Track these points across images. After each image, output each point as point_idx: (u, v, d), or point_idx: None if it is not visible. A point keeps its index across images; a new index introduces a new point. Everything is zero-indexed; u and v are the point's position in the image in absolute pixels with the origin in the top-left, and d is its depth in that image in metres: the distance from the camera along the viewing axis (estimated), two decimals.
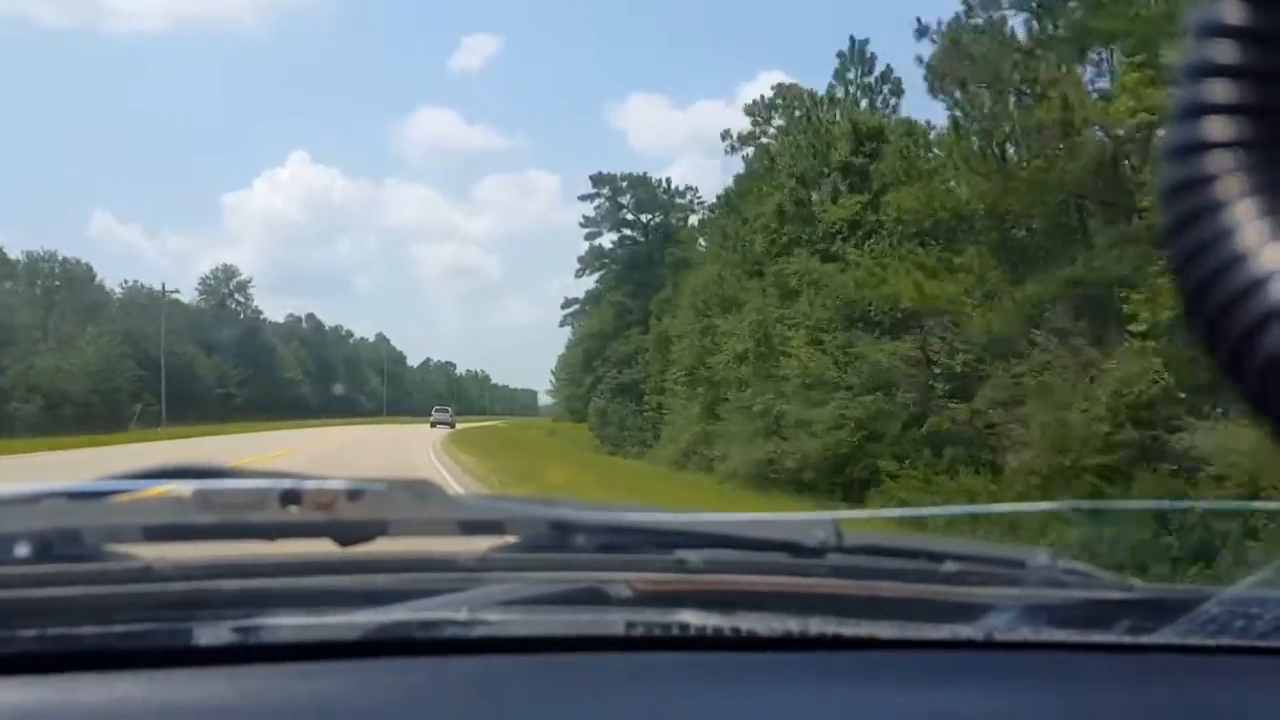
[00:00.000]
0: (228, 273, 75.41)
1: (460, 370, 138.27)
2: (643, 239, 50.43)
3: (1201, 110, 0.38)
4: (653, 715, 0.75)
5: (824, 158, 23.57)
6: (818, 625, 0.81)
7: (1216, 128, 0.38)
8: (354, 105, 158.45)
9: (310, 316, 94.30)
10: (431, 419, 58.26)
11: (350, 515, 0.89)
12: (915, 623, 0.84)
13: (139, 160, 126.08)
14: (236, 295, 75.40)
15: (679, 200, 51.31)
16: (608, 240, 52.10)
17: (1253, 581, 0.99)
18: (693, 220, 47.68)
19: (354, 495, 0.89)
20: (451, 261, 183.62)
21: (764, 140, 33.19)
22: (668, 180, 53.02)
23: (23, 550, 0.83)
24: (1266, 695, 0.84)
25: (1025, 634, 0.86)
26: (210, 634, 0.74)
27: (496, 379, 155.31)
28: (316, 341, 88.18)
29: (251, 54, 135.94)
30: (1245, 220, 0.37)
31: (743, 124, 35.68)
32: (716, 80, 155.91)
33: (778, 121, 33.40)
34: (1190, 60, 0.39)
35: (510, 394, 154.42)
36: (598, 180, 52.06)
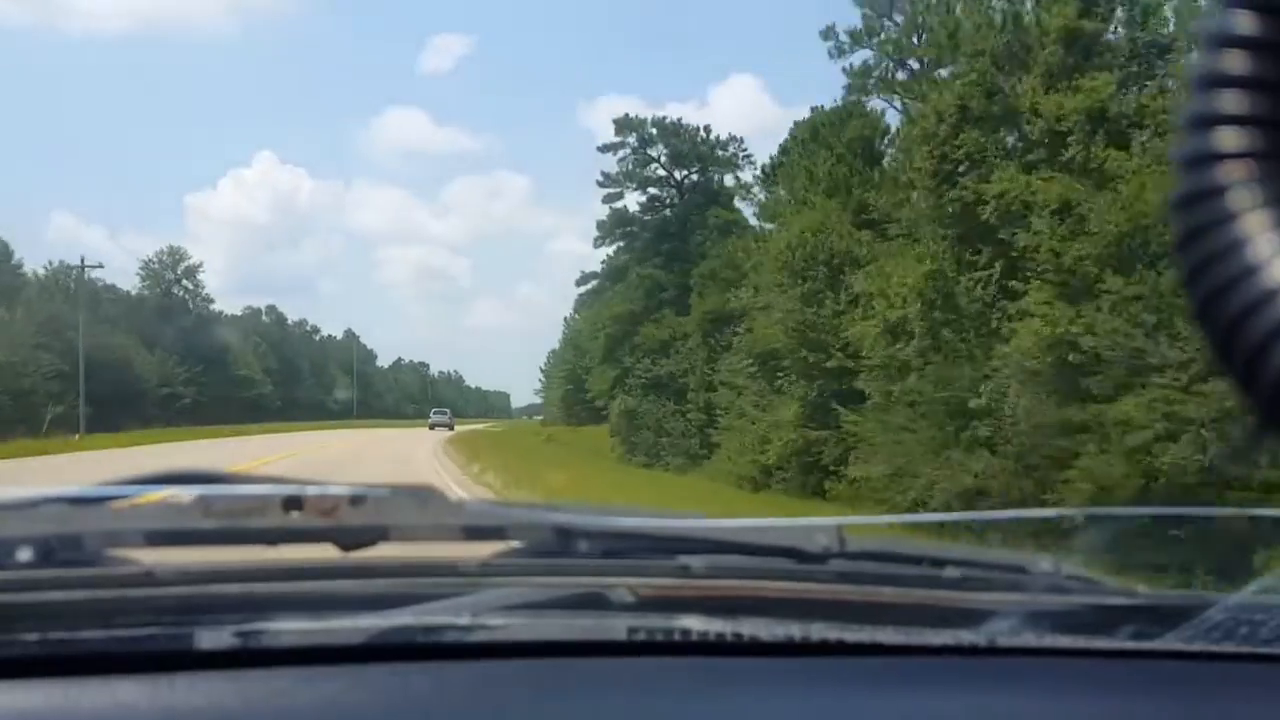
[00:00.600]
0: (174, 255, 63.98)
1: (433, 371, 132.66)
2: (677, 199, 39.97)
3: (1213, 121, 0.38)
4: None
5: (1023, 30, 15.09)
6: (820, 631, 0.81)
7: (1228, 139, 0.38)
8: (322, 105, 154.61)
9: (271, 309, 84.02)
10: (430, 421, 58.21)
11: (352, 520, 0.89)
12: (918, 628, 0.84)
13: (100, 160, 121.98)
14: (184, 282, 64.42)
15: (720, 152, 40.03)
16: (633, 202, 40.92)
17: (1256, 588, 0.98)
18: (743, 177, 37.96)
19: (356, 500, 0.89)
20: (420, 264, 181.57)
21: (884, 36, 22.97)
22: (706, 128, 40.80)
23: (25, 555, 0.83)
24: (1270, 701, 0.84)
25: (1028, 640, 0.86)
26: (212, 638, 0.74)
27: (469, 381, 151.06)
28: (278, 337, 78.73)
29: (218, 52, 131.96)
30: (1257, 232, 0.37)
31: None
32: (688, 82, 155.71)
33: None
34: (1202, 71, 0.39)
35: (483, 396, 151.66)
36: (622, 125, 40.47)
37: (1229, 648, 0.85)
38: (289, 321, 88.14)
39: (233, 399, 59.28)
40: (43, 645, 0.72)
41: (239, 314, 78.16)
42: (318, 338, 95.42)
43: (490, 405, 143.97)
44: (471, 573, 0.92)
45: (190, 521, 0.88)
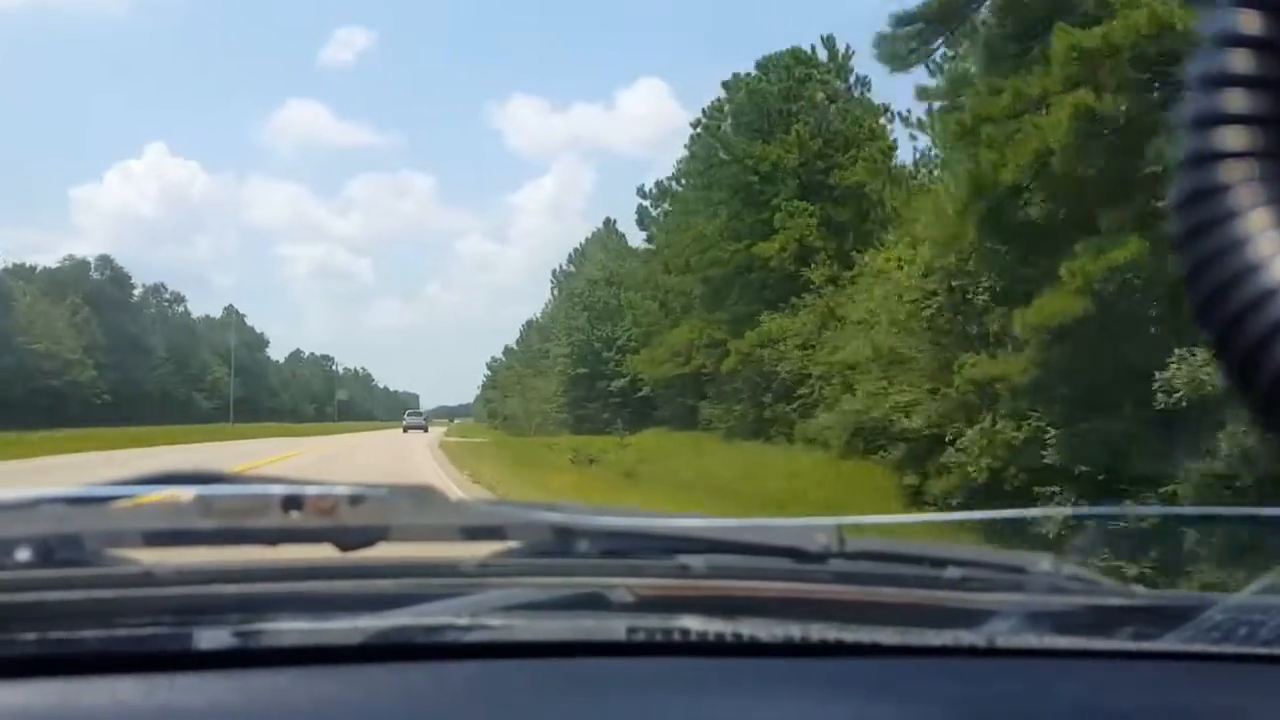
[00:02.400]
0: None
1: (338, 368, 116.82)
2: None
3: (1215, 120, 0.38)
4: None
5: None
6: (819, 631, 0.81)
7: (1230, 138, 0.38)
8: (218, 95, 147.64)
9: (105, 260, 58.74)
10: (405, 424, 56.15)
11: (352, 520, 0.89)
12: (917, 629, 0.84)
13: None
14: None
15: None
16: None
17: (1256, 588, 0.98)
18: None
19: (356, 500, 0.89)
20: (321, 262, 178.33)
21: None
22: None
23: (23, 555, 0.83)
24: (1270, 702, 0.84)
25: (1028, 640, 0.86)
26: (211, 638, 0.73)
27: (377, 381, 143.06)
28: (112, 301, 54.84)
29: (106, 35, 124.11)
30: (1258, 230, 0.37)
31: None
32: (595, 84, 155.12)
33: None
34: (1204, 69, 0.39)
35: (393, 396, 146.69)
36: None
37: (1229, 648, 0.85)
38: (130, 279, 61.23)
39: (25, 388, 39.45)
40: (41, 645, 0.72)
41: (55, 265, 55.81)
42: (180, 309, 70.80)
43: (400, 406, 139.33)
44: (471, 573, 0.92)
45: (189, 521, 0.88)
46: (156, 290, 67.96)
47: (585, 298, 46.08)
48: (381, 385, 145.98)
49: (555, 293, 61.74)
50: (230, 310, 77.89)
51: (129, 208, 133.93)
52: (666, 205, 36.59)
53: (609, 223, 54.83)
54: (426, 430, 52.56)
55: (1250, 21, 0.37)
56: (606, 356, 42.21)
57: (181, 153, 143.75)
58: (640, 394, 36.80)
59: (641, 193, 40.00)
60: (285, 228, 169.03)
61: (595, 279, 46.57)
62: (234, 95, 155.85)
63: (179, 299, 71.72)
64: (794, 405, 21.82)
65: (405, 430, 52.06)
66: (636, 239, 41.77)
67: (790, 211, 25.46)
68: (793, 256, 24.68)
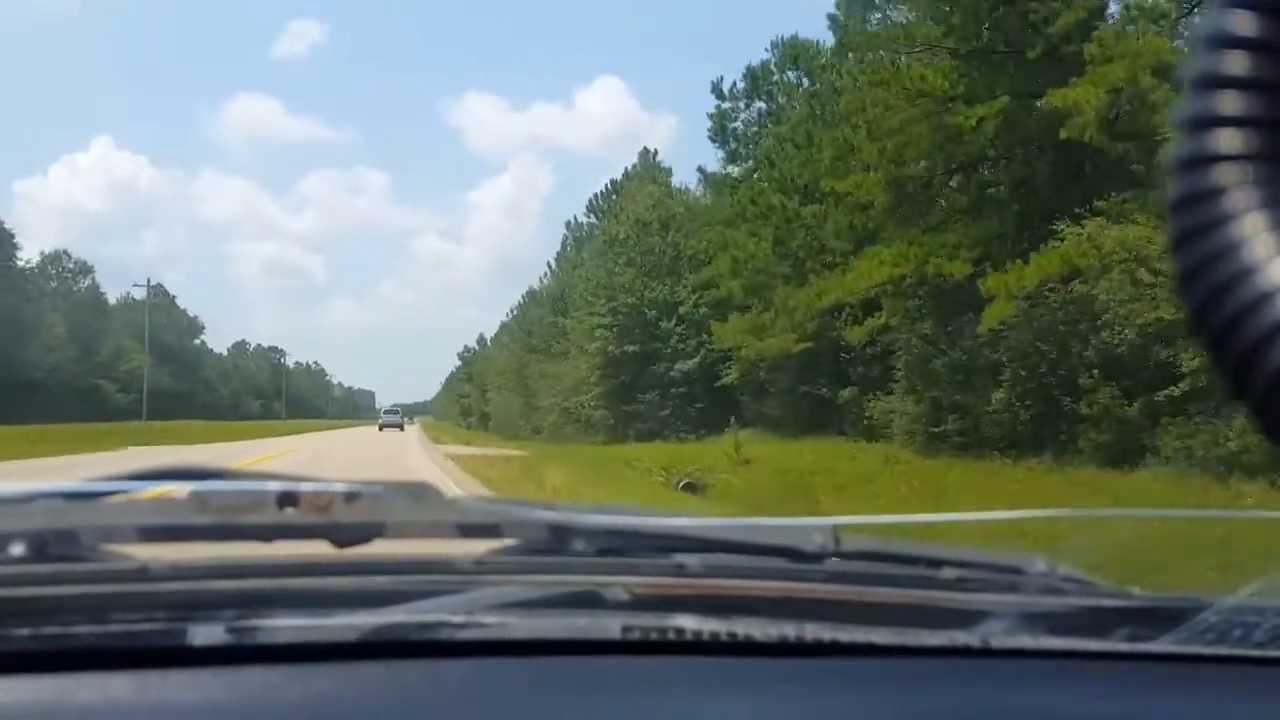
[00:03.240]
0: None
1: (288, 361, 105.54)
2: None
3: (1210, 123, 0.38)
4: (648, 719, 0.75)
5: None
6: (815, 631, 0.81)
7: (1225, 140, 0.38)
8: (167, 88, 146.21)
9: None
10: (381, 421, 53.27)
11: (347, 517, 0.88)
12: (913, 629, 0.84)
13: None
14: None
15: None
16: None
17: (1251, 590, 0.98)
18: None
19: (351, 497, 0.89)
20: (273, 259, 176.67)
21: None
22: None
23: (18, 550, 0.83)
24: (1264, 704, 0.84)
25: (1023, 641, 0.86)
26: (206, 634, 0.73)
27: (330, 377, 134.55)
28: None
29: (52, 27, 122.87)
30: (1253, 233, 0.37)
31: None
32: (554, 83, 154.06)
33: None
34: (1199, 71, 0.39)
35: (346, 392, 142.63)
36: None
37: (1224, 650, 0.85)
38: (18, 244, 49.71)
39: None
40: (35, 640, 0.72)
41: None
42: (86, 282, 58.62)
43: (354, 404, 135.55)
44: (466, 570, 0.92)
45: (185, 517, 0.88)
46: (56, 259, 55.33)
47: (633, 247, 32.90)
48: (336, 381, 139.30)
49: (570, 250, 49.22)
50: (156, 288, 62.23)
51: (74, 202, 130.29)
52: (765, 100, 24.24)
53: (647, 153, 41.85)
54: (404, 429, 49.27)
55: (1245, 23, 0.37)
56: (665, 329, 30.65)
57: (129, 146, 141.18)
58: (721, 380, 26.00)
59: (719, 91, 27.61)
60: (236, 224, 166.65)
61: (646, 220, 33.23)
62: (184, 88, 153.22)
63: (85, 269, 59.75)
64: (1157, 398, 11.83)
65: (381, 429, 49.48)
66: (707, 157, 30.63)
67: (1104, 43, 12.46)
68: (1105, 124, 12.43)
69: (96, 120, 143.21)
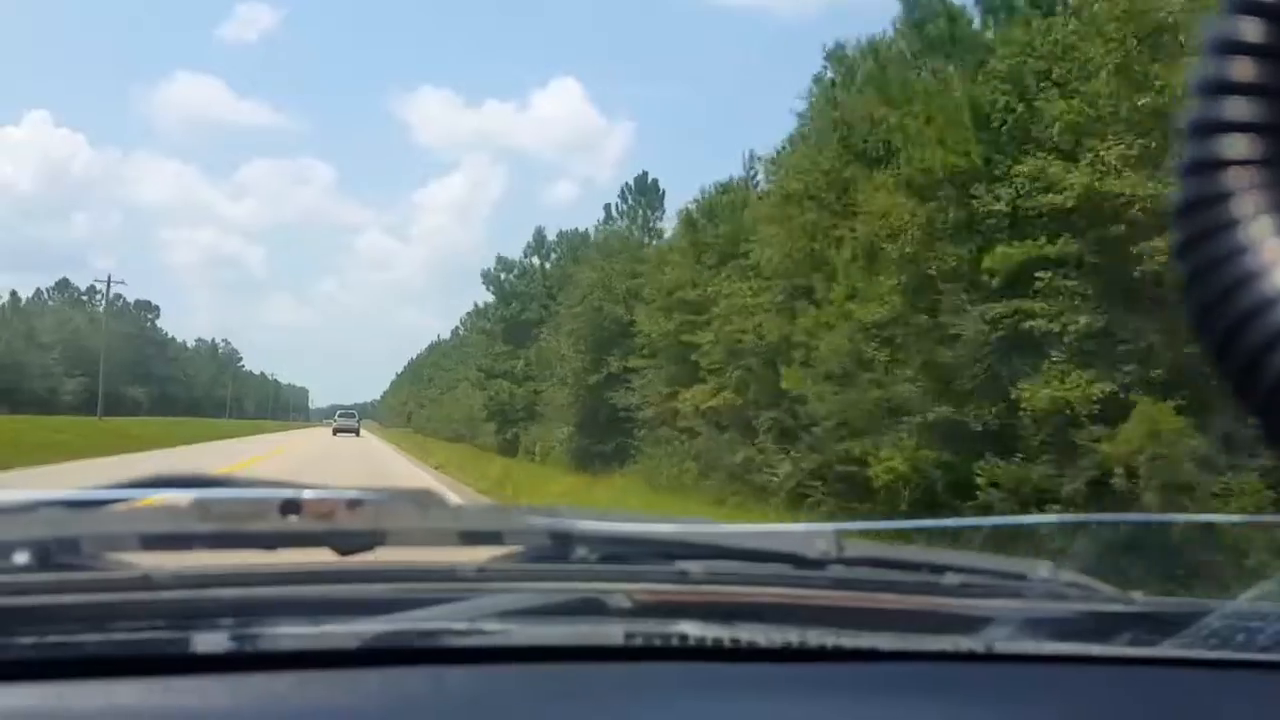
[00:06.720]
0: None
1: (241, 360, 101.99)
2: None
3: (1216, 127, 0.38)
4: None
5: None
6: (818, 637, 0.81)
7: (1231, 145, 0.38)
8: (104, 62, 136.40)
9: None
10: (335, 425, 50.26)
11: (350, 525, 0.89)
12: (916, 634, 0.84)
13: None
14: None
15: None
16: None
17: (1253, 595, 0.98)
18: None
19: (354, 505, 0.89)
20: (210, 248, 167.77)
21: None
22: None
23: (22, 558, 0.83)
24: (1267, 708, 0.84)
25: (1026, 646, 0.86)
26: (209, 642, 0.73)
27: (266, 374, 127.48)
28: None
29: None
30: (1259, 238, 0.37)
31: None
32: (508, 82, 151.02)
33: None
34: (1205, 76, 0.39)
35: (290, 392, 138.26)
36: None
37: (1226, 655, 0.85)
38: None
39: None
40: (39, 648, 0.72)
41: None
42: None
43: (287, 403, 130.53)
44: (469, 578, 0.92)
45: (188, 525, 0.88)
46: None
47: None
48: (272, 378, 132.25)
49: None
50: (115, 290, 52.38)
51: (4, 179, 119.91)
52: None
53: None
54: (359, 434, 46.19)
55: (1250, 28, 0.37)
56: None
57: (68, 123, 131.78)
58: None
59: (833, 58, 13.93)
60: (172, 209, 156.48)
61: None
62: (121, 63, 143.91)
63: None
64: None
65: (335, 433, 46.25)
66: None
67: None
68: None
69: (30, 93, 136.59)
